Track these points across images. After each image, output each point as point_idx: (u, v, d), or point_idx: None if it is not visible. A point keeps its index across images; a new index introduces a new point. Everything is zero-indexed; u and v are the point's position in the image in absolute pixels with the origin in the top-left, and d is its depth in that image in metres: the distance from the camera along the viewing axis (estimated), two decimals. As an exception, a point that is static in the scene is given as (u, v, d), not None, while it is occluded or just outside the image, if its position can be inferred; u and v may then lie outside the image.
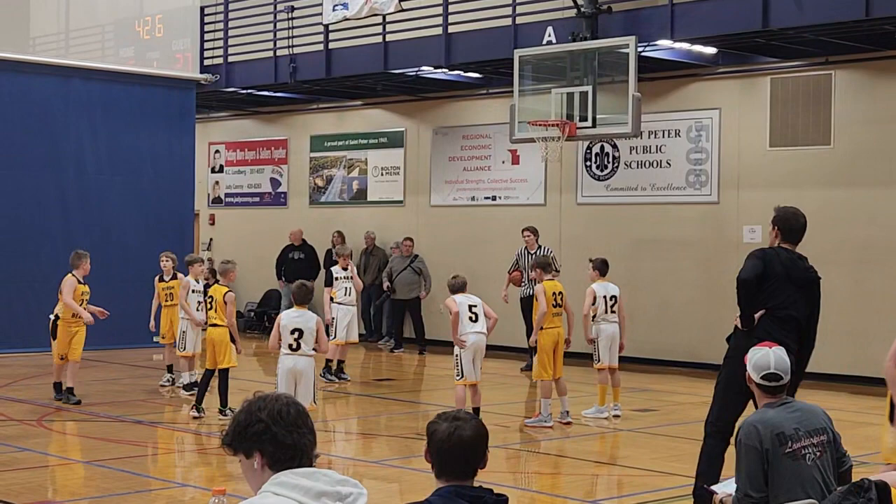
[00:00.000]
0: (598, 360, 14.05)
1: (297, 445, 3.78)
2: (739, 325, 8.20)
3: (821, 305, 8.42)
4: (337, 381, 17.00)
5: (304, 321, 11.63)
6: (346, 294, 17.10)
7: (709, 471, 8.27)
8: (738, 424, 7.83)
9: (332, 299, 17.08)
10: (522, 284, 18.39)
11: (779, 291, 8.11)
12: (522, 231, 18.49)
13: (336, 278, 17.20)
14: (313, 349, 11.55)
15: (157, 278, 16.37)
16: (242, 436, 3.83)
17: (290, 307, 23.02)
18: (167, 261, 16.31)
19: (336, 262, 17.64)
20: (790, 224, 8.34)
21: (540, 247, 18.20)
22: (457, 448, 4.31)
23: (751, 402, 7.90)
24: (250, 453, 3.82)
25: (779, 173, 17.96)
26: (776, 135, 17.97)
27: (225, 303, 13.73)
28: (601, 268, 14.28)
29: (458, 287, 12.79)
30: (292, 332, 11.51)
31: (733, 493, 6.26)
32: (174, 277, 16.13)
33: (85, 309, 14.54)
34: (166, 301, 16.19)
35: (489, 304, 13.39)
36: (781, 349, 6.31)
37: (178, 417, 14.08)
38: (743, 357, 7.61)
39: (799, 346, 8.15)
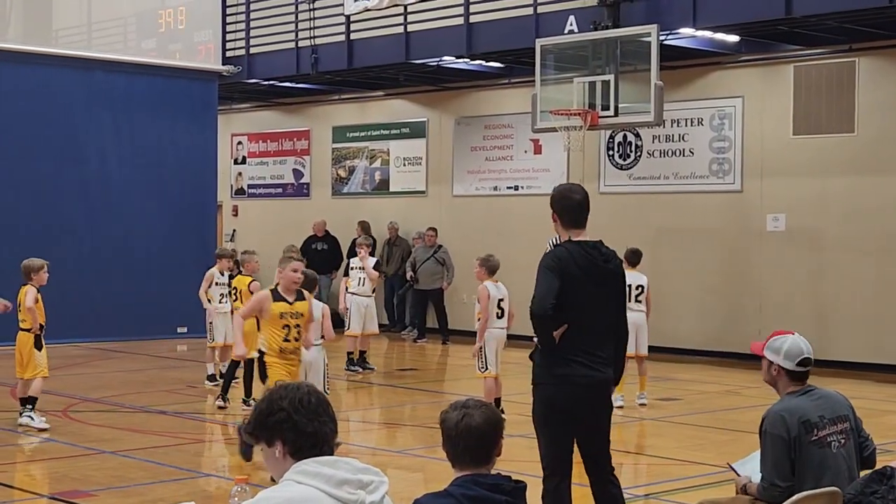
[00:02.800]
0: (623, 349, 14.02)
1: (319, 433, 3.80)
2: (542, 347, 7.06)
3: (625, 293, 7.43)
4: (361, 371, 17.02)
5: (315, 311, 11.55)
6: (359, 284, 17.08)
7: None
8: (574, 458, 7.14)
9: (347, 289, 17.10)
10: None
11: (580, 299, 6.91)
12: None
13: (351, 268, 17.22)
14: (322, 337, 11.48)
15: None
16: (264, 424, 3.85)
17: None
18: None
19: (357, 253, 17.66)
20: (563, 204, 7.08)
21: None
22: (466, 435, 4.32)
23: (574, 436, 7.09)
24: (272, 442, 3.84)
25: (802, 161, 17.89)
26: (799, 123, 17.89)
27: (251, 292, 13.77)
28: (630, 258, 14.12)
29: (493, 268, 12.76)
30: None
31: (752, 476, 6.24)
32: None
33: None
34: None
35: (511, 294, 13.36)
36: (798, 334, 6.25)
37: (202, 408, 14.13)
38: (553, 383, 6.98)
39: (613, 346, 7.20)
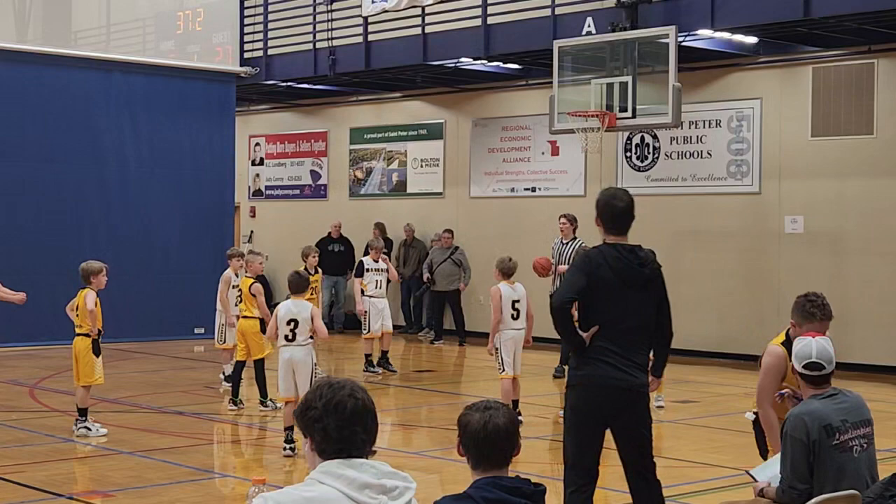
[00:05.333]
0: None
1: (345, 441, 3.79)
2: (570, 347, 7.12)
3: (668, 296, 7.21)
4: (379, 373, 17.03)
5: (298, 311, 11.39)
6: (376, 287, 17.08)
7: None
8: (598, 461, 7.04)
9: (362, 291, 17.05)
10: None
11: (612, 302, 6.88)
12: (559, 218, 16.97)
13: (367, 270, 17.17)
14: (310, 338, 11.44)
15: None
16: (302, 416, 3.90)
17: (330, 299, 23.23)
18: (314, 257, 16.32)
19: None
20: (608, 210, 7.09)
21: (575, 238, 16.64)
22: (493, 437, 4.31)
23: (609, 434, 7.06)
24: (305, 434, 3.90)
25: (821, 163, 17.83)
26: (818, 124, 17.83)
27: (253, 295, 13.74)
28: None
29: (508, 270, 12.71)
30: (288, 323, 11.36)
31: (771, 480, 6.22)
32: (316, 272, 16.12)
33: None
34: (310, 294, 15.95)
35: (530, 296, 13.33)
36: (826, 338, 6.21)
37: (220, 408, 14.15)
38: (583, 385, 6.96)
39: (652, 349, 7.14)
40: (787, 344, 6.79)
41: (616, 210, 7.06)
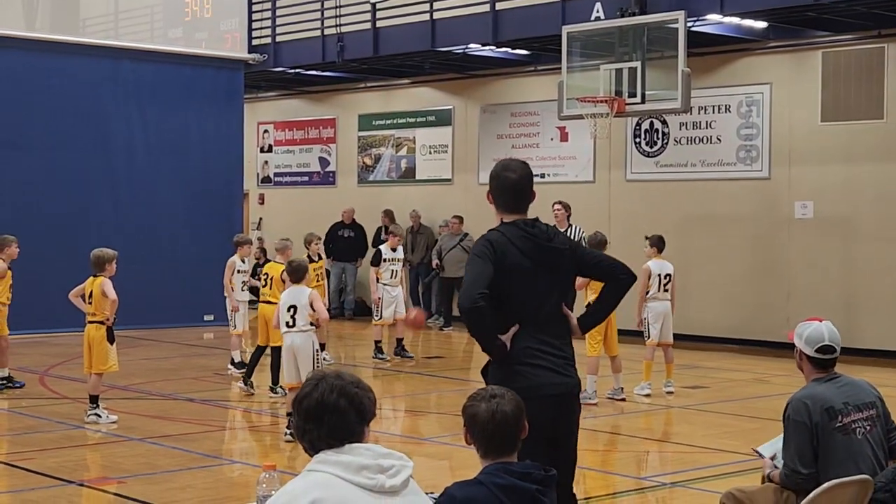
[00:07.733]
0: (649, 337, 14.01)
1: (306, 438, 3.85)
2: (490, 356, 5.78)
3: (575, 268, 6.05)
4: (388, 360, 17.03)
5: (296, 297, 11.44)
6: (392, 276, 17.06)
7: None
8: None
9: (377, 279, 17.03)
10: None
11: (528, 290, 5.71)
12: (553, 205, 15.80)
13: (384, 259, 17.13)
14: (311, 323, 11.45)
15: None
16: None
17: (339, 285, 23.25)
18: (316, 244, 16.31)
19: (385, 241, 17.60)
20: (500, 183, 5.91)
21: (570, 225, 15.78)
22: (502, 425, 4.33)
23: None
24: None
25: (831, 148, 17.78)
26: (828, 109, 17.77)
27: (283, 281, 13.75)
28: (658, 244, 14.15)
29: None
30: (288, 310, 11.42)
31: (777, 455, 6.22)
32: (319, 258, 16.13)
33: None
34: (316, 281, 15.96)
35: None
36: (829, 322, 6.21)
37: (229, 395, 14.17)
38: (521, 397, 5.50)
39: (604, 293, 6.13)
40: None
41: (508, 182, 5.90)
